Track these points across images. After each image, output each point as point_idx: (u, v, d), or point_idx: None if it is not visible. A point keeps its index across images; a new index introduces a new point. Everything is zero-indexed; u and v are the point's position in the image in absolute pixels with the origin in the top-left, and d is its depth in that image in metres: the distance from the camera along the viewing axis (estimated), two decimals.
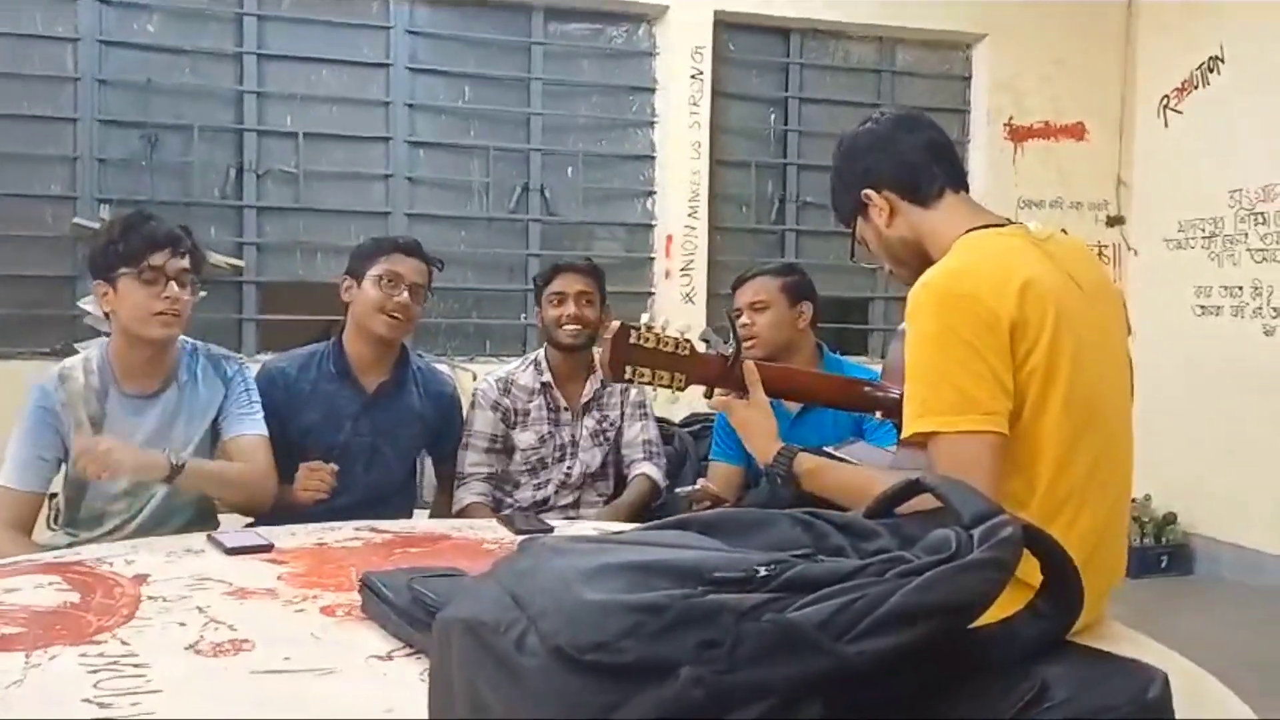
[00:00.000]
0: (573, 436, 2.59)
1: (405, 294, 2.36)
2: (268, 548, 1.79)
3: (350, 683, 1.19)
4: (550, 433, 2.57)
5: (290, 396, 2.37)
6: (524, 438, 2.55)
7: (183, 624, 1.37)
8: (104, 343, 2.16)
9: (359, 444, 2.41)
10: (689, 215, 4.79)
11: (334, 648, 1.31)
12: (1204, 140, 4.96)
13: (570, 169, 4.79)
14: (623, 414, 2.65)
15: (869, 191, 1.54)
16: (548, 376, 2.57)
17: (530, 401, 2.57)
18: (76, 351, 2.85)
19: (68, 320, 4.06)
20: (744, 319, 2.53)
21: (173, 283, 2.04)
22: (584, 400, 2.60)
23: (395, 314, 2.36)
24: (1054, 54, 5.24)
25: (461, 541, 1.97)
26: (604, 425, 2.64)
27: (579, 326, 2.53)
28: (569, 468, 2.59)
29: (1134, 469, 1.48)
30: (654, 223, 4.87)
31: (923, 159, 1.52)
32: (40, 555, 1.75)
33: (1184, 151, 5.07)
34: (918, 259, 1.52)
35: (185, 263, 2.08)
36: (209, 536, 1.87)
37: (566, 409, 2.58)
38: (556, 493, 2.58)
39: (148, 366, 2.12)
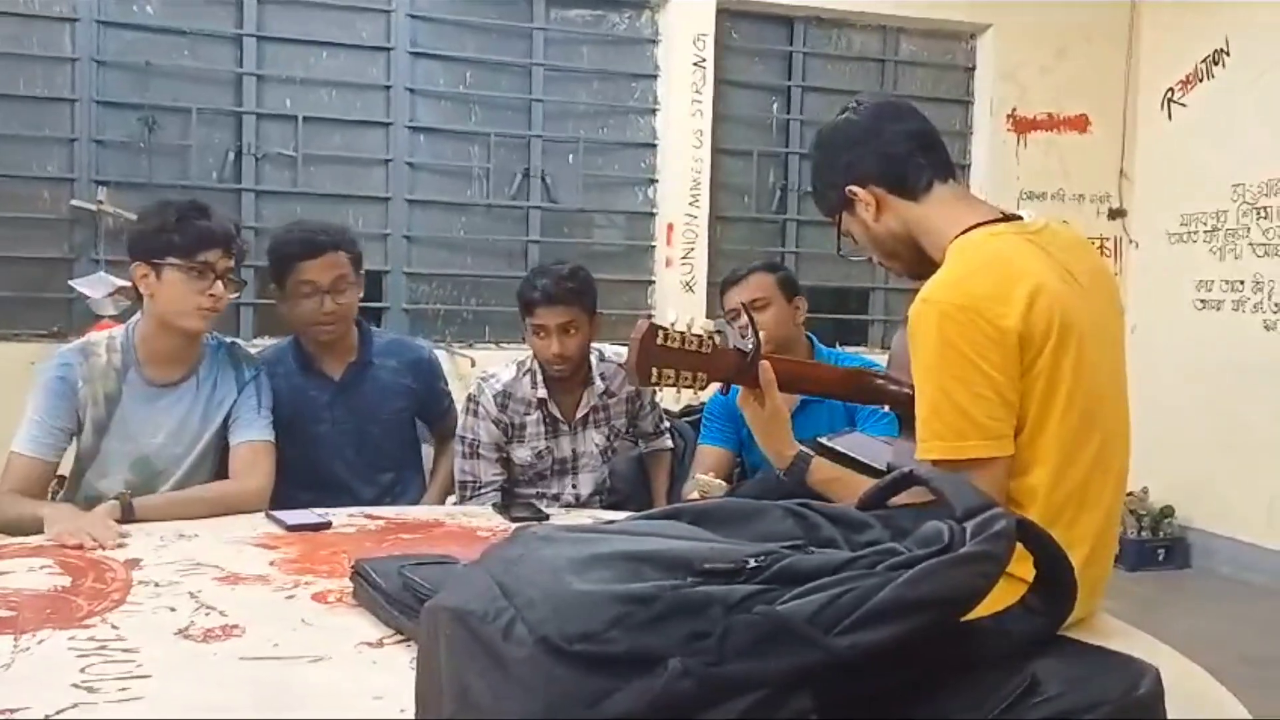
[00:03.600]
0: (573, 451, 2.50)
1: (326, 300, 2.27)
2: (326, 525, 1.86)
3: (340, 670, 1.19)
4: (548, 447, 2.47)
5: None
6: (520, 453, 2.46)
7: (173, 609, 1.37)
8: (130, 324, 2.13)
9: (340, 430, 2.38)
10: (690, 204, 4.77)
11: (324, 634, 1.31)
12: (1207, 134, 4.94)
13: (571, 156, 4.76)
14: (629, 414, 2.58)
15: (854, 188, 1.47)
16: (544, 392, 2.44)
17: (527, 415, 2.46)
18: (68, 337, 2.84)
19: (65, 302, 4.04)
20: (742, 320, 2.45)
21: (219, 281, 2.04)
22: (580, 414, 2.48)
23: (325, 322, 2.30)
24: (1058, 45, 5.22)
25: (455, 529, 1.96)
26: (612, 440, 2.55)
27: (564, 365, 2.39)
28: (575, 486, 2.51)
29: (1130, 460, 1.46)
30: (655, 211, 4.85)
31: (907, 149, 1.45)
32: (31, 539, 1.74)
33: (1187, 145, 5.05)
34: (910, 251, 1.49)
35: (232, 261, 2.08)
36: (268, 514, 1.95)
37: (563, 421, 2.48)
38: (565, 508, 2.46)
39: (172, 355, 2.10)
